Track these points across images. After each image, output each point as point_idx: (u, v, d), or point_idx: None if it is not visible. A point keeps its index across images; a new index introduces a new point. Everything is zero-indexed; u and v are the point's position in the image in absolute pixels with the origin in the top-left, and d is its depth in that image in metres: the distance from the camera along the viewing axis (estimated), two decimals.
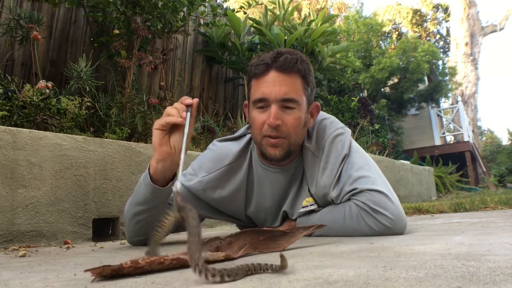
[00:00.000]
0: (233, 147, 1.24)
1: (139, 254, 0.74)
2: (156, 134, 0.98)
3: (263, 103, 1.08)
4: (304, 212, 1.19)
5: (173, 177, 1.05)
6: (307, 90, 1.11)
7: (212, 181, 1.21)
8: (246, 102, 1.21)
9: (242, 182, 1.22)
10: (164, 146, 0.98)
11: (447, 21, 17.96)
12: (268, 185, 1.22)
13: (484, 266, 0.53)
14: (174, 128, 0.97)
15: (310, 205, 1.18)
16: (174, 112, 0.96)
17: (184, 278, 0.58)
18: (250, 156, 1.23)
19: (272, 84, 1.07)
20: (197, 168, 1.22)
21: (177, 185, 0.71)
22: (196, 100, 0.97)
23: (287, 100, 1.07)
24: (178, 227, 1.25)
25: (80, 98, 2.11)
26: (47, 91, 1.97)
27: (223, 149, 1.24)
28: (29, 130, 1.42)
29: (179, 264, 0.67)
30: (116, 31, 2.61)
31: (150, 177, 1.02)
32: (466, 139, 9.44)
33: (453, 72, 9.53)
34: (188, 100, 0.97)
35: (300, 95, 1.09)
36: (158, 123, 0.97)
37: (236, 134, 1.29)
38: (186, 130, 0.91)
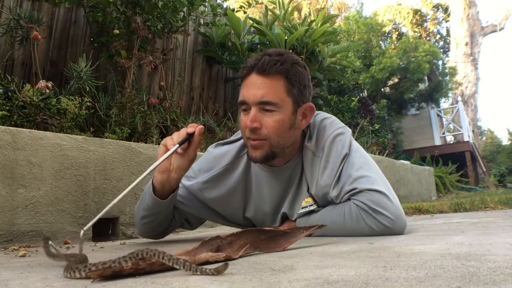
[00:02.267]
0: (231, 149, 1.26)
1: None
2: (161, 149, 1.06)
3: (245, 106, 1.10)
4: (303, 212, 1.19)
5: (172, 191, 1.12)
6: (292, 92, 1.10)
7: (210, 182, 1.23)
8: None
9: (239, 183, 1.23)
10: (166, 161, 1.05)
11: (447, 21, 17.95)
12: (266, 186, 1.22)
13: (484, 266, 0.53)
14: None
15: (310, 206, 1.18)
16: (169, 142, 1.05)
17: (184, 278, 0.58)
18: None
19: (251, 87, 1.08)
20: (197, 171, 1.26)
21: (81, 233, 0.80)
22: (200, 128, 1.05)
23: (264, 103, 1.07)
24: (183, 223, 1.27)
25: (80, 98, 2.11)
26: (47, 91, 1.97)
27: (221, 152, 1.27)
28: (29, 130, 1.42)
29: None
30: (116, 31, 2.61)
31: (153, 187, 1.11)
32: (466, 139, 9.44)
33: (453, 72, 9.53)
34: (190, 129, 1.05)
35: (280, 97, 1.08)
36: (165, 141, 1.06)
37: (234, 138, 1.30)
38: (156, 163, 0.99)
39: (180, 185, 1.18)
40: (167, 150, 1.04)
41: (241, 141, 1.26)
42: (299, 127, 1.16)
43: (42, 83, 1.97)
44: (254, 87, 1.08)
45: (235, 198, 1.24)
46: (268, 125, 1.08)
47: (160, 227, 1.23)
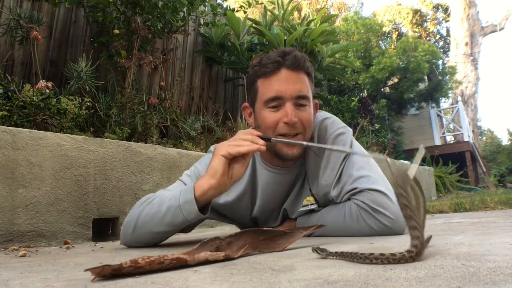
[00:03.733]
0: None
1: (139, 254, 0.74)
2: (221, 162, 0.98)
3: (277, 102, 1.08)
4: (304, 211, 1.19)
5: (209, 202, 1.04)
6: (311, 88, 1.15)
7: None
8: (246, 104, 1.21)
9: (246, 188, 1.21)
10: (225, 176, 0.98)
11: (447, 21, 17.96)
12: (273, 187, 1.21)
13: (484, 266, 0.53)
14: (236, 157, 1.00)
15: (311, 204, 1.18)
16: (246, 143, 0.98)
17: (184, 278, 0.58)
18: (254, 160, 1.22)
19: (285, 82, 1.08)
20: (203, 172, 1.19)
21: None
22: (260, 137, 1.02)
23: (301, 97, 1.09)
24: (186, 227, 1.25)
25: (80, 98, 2.11)
26: (47, 91, 1.97)
27: None
28: (29, 130, 1.42)
29: (179, 264, 0.67)
30: (116, 31, 2.61)
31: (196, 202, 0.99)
32: (466, 139, 9.44)
33: (453, 71, 9.53)
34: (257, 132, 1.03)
35: (309, 92, 1.12)
36: (227, 151, 0.98)
37: None
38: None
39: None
40: (251, 140, 1.00)
41: None
42: None
43: (42, 83, 1.97)
44: (290, 82, 1.08)
45: (243, 203, 1.23)
46: (304, 119, 1.09)
47: (165, 238, 1.14)
